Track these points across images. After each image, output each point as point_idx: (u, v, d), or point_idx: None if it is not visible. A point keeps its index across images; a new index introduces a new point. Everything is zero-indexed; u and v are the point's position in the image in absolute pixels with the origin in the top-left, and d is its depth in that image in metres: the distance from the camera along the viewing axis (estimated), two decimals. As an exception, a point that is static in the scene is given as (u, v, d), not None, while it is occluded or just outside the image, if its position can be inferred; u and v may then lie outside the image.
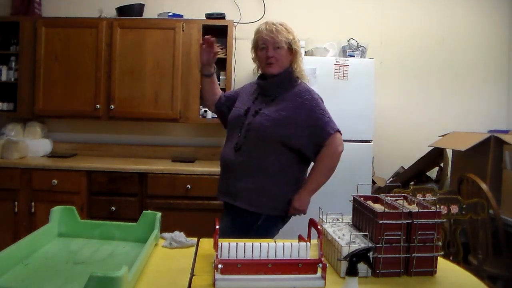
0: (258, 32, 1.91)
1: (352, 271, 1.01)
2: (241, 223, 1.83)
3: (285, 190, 1.87)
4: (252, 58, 2.03)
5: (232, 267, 1.12)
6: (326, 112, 1.87)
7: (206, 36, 2.04)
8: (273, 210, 1.85)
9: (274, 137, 1.82)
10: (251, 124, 1.85)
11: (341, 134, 1.87)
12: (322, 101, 1.91)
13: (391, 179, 3.63)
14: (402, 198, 1.42)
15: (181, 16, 3.49)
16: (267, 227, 1.84)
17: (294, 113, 1.83)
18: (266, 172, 1.83)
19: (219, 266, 1.10)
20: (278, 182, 1.84)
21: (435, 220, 1.23)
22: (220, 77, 3.47)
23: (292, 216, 1.91)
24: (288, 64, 1.90)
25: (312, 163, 1.91)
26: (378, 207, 1.31)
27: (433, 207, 1.26)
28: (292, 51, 1.88)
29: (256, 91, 1.98)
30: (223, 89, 3.42)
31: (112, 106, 3.38)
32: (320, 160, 1.85)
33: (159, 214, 1.44)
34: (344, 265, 1.16)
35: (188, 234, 1.49)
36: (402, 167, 3.67)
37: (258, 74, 2.02)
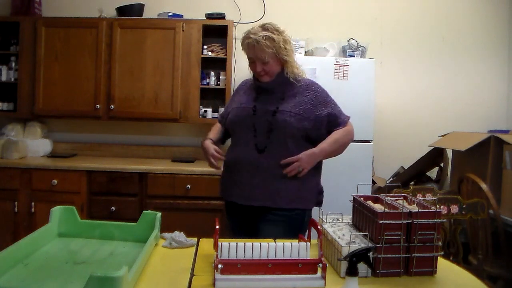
0: (242, 45, 1.86)
1: (352, 271, 1.01)
2: (287, 224, 1.80)
3: (316, 181, 1.90)
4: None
5: (232, 267, 1.12)
6: (335, 103, 1.93)
7: (216, 155, 1.89)
8: (312, 203, 1.88)
9: (299, 131, 1.81)
10: (274, 123, 1.79)
11: None
12: None
13: (391, 179, 3.63)
14: (402, 198, 1.42)
15: (181, 16, 3.50)
16: (308, 221, 1.84)
17: (312, 106, 1.83)
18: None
19: (219, 266, 1.10)
20: (308, 175, 1.82)
21: (435, 220, 1.23)
22: (220, 77, 3.47)
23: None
24: (280, 68, 1.86)
25: None
26: (378, 207, 1.31)
27: (433, 207, 1.26)
28: (280, 58, 1.82)
29: (254, 90, 1.94)
30: (223, 89, 3.43)
31: (112, 106, 3.38)
32: (336, 132, 1.87)
33: (159, 214, 1.44)
34: (344, 265, 1.16)
35: (188, 234, 1.49)
36: (402, 167, 3.67)
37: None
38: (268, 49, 1.77)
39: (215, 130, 2.05)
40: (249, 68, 1.93)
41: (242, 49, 1.88)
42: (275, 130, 1.79)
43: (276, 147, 1.80)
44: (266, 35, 1.77)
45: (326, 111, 1.86)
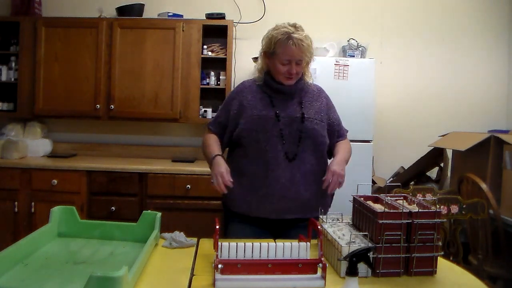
0: (281, 44, 1.70)
1: (352, 271, 1.01)
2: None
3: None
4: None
5: (232, 267, 1.12)
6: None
7: (227, 181, 1.65)
8: (329, 207, 1.88)
9: (324, 138, 1.81)
10: (303, 131, 1.74)
11: None
12: None
13: (391, 179, 3.63)
14: (402, 198, 1.42)
15: (181, 16, 3.50)
16: None
17: (326, 113, 1.85)
18: (321, 174, 1.75)
19: (219, 266, 1.10)
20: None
21: (435, 220, 1.23)
22: (220, 77, 3.47)
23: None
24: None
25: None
26: (378, 207, 1.31)
27: (433, 207, 1.26)
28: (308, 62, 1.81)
29: (265, 93, 1.81)
30: (223, 89, 3.43)
31: (112, 106, 3.38)
32: (343, 143, 1.88)
33: (159, 214, 1.44)
34: (344, 265, 1.16)
35: (188, 234, 1.49)
36: (402, 167, 3.67)
37: (260, 75, 1.85)
38: (310, 50, 1.73)
39: (215, 143, 1.83)
40: (261, 65, 1.81)
41: (275, 43, 1.71)
42: (306, 138, 1.74)
43: (306, 155, 1.75)
44: (307, 38, 1.72)
45: (335, 117, 1.89)
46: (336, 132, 1.88)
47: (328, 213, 1.50)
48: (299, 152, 1.73)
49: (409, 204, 1.37)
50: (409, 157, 3.50)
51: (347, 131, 1.94)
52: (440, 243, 1.26)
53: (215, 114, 1.98)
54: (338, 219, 1.50)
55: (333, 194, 1.91)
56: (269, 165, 1.71)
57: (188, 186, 3.09)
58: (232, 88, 3.53)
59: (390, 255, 1.21)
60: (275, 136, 1.72)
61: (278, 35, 1.71)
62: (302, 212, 1.74)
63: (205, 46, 3.45)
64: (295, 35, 1.68)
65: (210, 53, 3.46)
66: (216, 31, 3.46)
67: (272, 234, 1.75)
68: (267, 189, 1.71)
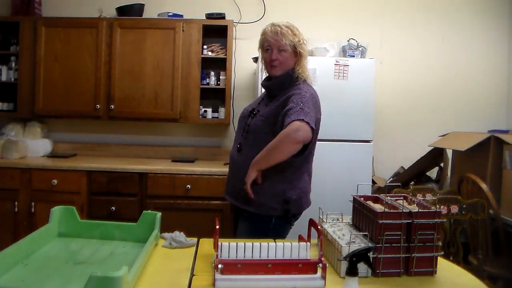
0: (263, 34, 1.91)
1: (352, 271, 1.01)
2: (259, 227, 1.84)
3: (282, 188, 1.82)
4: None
5: (232, 267, 1.12)
6: (305, 104, 1.73)
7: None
8: (274, 211, 1.82)
9: (267, 135, 1.78)
10: (249, 125, 1.90)
11: (309, 126, 1.68)
12: (313, 98, 1.83)
13: (391, 179, 3.63)
14: (402, 198, 1.42)
15: (181, 16, 3.49)
16: (277, 228, 1.84)
17: (277, 108, 1.81)
18: (263, 171, 1.78)
19: (219, 266, 1.10)
20: (271, 182, 1.81)
21: (435, 220, 1.23)
22: (220, 77, 3.47)
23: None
24: (293, 65, 1.89)
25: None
26: (378, 207, 1.31)
27: (433, 207, 1.26)
28: (297, 53, 1.88)
29: (264, 93, 2.04)
30: (223, 89, 3.43)
31: (112, 106, 3.38)
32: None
33: (159, 214, 1.44)
34: (344, 265, 1.16)
35: (188, 234, 1.49)
36: (402, 167, 3.67)
37: (265, 75, 2.02)
38: (289, 36, 1.84)
39: None
40: (262, 63, 1.97)
41: (261, 36, 1.92)
42: (249, 132, 1.89)
43: (248, 148, 1.87)
44: (289, 26, 1.87)
45: (286, 109, 1.74)
46: (279, 122, 1.76)
47: (328, 213, 1.50)
48: (244, 145, 1.90)
49: (409, 204, 1.37)
50: (409, 157, 3.50)
51: (298, 119, 1.67)
52: (440, 243, 1.26)
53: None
54: (338, 219, 1.50)
55: (286, 200, 1.82)
56: (232, 153, 1.97)
57: (188, 186, 3.09)
58: (232, 88, 3.56)
59: (390, 255, 1.21)
60: (240, 128, 1.97)
61: (264, 28, 1.92)
62: (237, 201, 1.89)
63: (205, 46, 3.45)
64: (274, 24, 1.88)
65: (210, 53, 3.46)
66: (216, 31, 3.46)
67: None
68: (228, 173, 1.99)
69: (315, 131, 1.78)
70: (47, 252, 1.30)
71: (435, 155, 3.35)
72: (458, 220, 2.40)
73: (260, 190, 1.80)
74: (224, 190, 2.04)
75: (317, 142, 1.91)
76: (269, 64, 1.90)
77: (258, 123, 1.86)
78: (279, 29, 1.85)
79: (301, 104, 1.72)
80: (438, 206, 1.28)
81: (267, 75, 1.98)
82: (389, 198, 1.39)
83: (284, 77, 1.88)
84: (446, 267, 1.32)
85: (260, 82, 2.25)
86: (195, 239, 1.47)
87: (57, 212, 1.44)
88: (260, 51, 1.97)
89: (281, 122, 1.74)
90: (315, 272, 1.15)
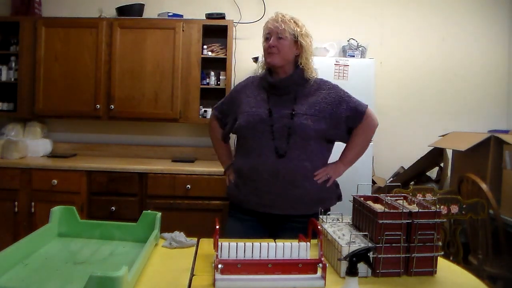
0: (266, 22, 1.85)
1: (352, 271, 1.01)
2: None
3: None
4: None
5: (232, 267, 1.12)
6: (349, 94, 1.87)
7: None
8: (334, 200, 1.87)
9: (318, 133, 1.75)
10: (292, 127, 1.73)
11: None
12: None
13: (391, 179, 3.63)
14: (402, 198, 1.42)
15: (181, 16, 3.50)
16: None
17: (326, 105, 1.78)
18: (312, 171, 1.78)
19: (219, 266, 1.10)
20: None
21: (435, 220, 1.23)
22: (220, 77, 3.47)
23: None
24: (292, 57, 1.80)
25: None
26: (378, 207, 1.31)
27: (433, 207, 1.26)
28: (297, 44, 1.79)
29: (264, 90, 1.85)
30: (223, 89, 3.43)
31: (112, 106, 3.38)
32: (358, 133, 1.84)
33: (159, 214, 1.44)
34: (344, 265, 1.16)
35: (188, 234, 1.49)
36: (402, 167, 3.67)
37: (263, 70, 1.90)
38: (290, 25, 1.79)
39: (224, 154, 2.07)
40: (262, 55, 1.88)
41: (263, 31, 1.85)
42: (295, 134, 1.73)
43: (296, 152, 1.73)
44: (293, 18, 1.85)
45: (343, 108, 1.80)
46: (348, 119, 1.81)
47: (328, 213, 1.50)
48: (289, 149, 1.73)
49: (409, 204, 1.37)
50: (409, 157, 3.50)
51: (365, 106, 1.85)
52: (440, 243, 1.26)
53: (221, 100, 2.07)
54: (338, 219, 1.50)
55: (337, 185, 1.89)
56: (256, 161, 1.75)
57: (188, 186, 3.09)
58: (232, 87, 3.55)
59: (390, 255, 1.21)
60: (266, 132, 1.75)
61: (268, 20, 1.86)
62: (291, 208, 1.76)
63: (205, 46, 3.45)
64: (279, 13, 1.84)
65: (210, 53, 3.46)
66: (216, 31, 3.46)
67: (268, 229, 1.81)
68: (253, 183, 1.77)
69: None
70: (47, 252, 1.30)
71: (435, 155, 3.35)
72: (458, 220, 2.40)
73: (319, 186, 1.79)
74: (245, 200, 1.82)
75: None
76: (266, 52, 1.80)
77: (306, 122, 1.73)
78: (281, 16, 1.81)
79: (348, 94, 1.86)
80: (438, 206, 1.27)
81: (266, 68, 1.87)
82: (389, 198, 1.39)
83: (297, 74, 1.81)
84: (446, 267, 1.31)
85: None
86: (195, 239, 1.47)
87: (57, 212, 1.44)
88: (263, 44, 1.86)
89: (352, 117, 1.81)
90: (315, 272, 1.15)
